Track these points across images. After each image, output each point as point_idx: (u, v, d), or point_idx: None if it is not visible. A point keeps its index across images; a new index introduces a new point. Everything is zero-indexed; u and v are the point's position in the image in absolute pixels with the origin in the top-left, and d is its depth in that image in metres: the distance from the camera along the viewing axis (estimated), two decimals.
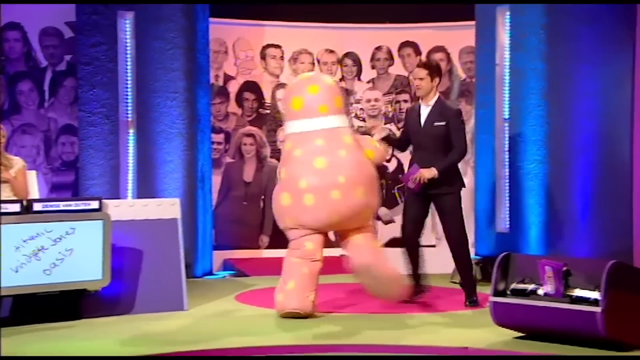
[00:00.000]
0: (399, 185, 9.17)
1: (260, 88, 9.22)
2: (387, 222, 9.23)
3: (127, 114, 8.04)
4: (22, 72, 8.40)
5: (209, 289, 7.44)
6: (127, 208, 6.35)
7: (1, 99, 8.22)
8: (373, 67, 9.34)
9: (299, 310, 5.98)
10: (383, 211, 9.22)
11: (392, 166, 9.25)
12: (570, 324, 4.94)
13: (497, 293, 5.26)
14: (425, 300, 6.56)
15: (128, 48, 8.02)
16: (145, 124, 8.04)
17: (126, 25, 8.02)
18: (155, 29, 8.02)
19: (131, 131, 8.05)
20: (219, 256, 8.76)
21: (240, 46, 9.18)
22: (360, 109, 9.31)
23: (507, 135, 7.99)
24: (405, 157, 9.10)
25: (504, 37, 8.01)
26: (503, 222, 7.99)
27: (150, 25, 8.01)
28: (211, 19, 8.58)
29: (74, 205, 5.96)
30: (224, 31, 9.03)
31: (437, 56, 9.11)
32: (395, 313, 6.22)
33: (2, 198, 5.91)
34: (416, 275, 6.57)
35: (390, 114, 9.30)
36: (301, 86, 6.38)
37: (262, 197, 9.09)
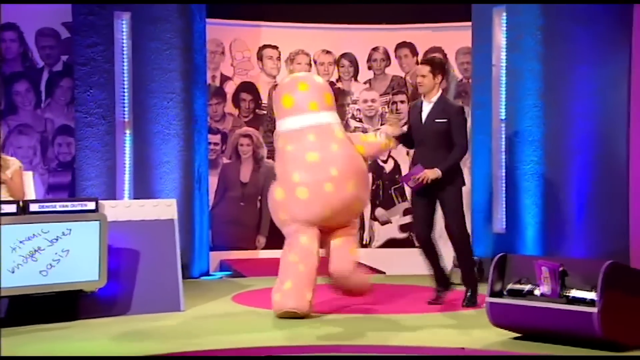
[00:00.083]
0: (396, 186, 9.18)
1: (257, 89, 9.23)
2: (383, 223, 9.23)
3: (124, 114, 8.04)
4: (19, 72, 8.39)
5: (205, 289, 7.44)
6: (124, 209, 6.34)
7: (1, 99, 8.22)
8: (370, 68, 9.34)
9: (297, 310, 5.98)
10: (380, 212, 9.23)
11: (388, 167, 9.25)
12: (567, 325, 4.95)
13: (493, 294, 5.26)
14: (433, 300, 6.56)
15: (124, 48, 8.01)
16: (142, 125, 8.03)
17: (122, 26, 8.01)
18: (151, 30, 8.02)
19: (128, 132, 8.04)
20: (216, 257, 8.76)
21: (237, 47, 9.18)
22: (357, 109, 9.31)
23: (503, 136, 7.99)
24: (402, 157, 9.13)
25: (500, 38, 8.02)
26: (499, 223, 8.00)
27: (146, 26, 8.01)
28: (208, 20, 8.58)
29: (70, 206, 5.96)
30: (220, 32, 9.03)
31: None
32: (393, 314, 6.22)
33: None
34: (436, 275, 6.57)
35: (387, 115, 9.30)
36: (291, 84, 6.46)
37: (259, 197, 9.08)
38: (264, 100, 9.21)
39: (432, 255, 6.53)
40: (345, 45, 9.32)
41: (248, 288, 7.52)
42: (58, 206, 5.91)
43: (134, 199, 7.79)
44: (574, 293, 4.96)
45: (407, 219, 9.11)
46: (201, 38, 8.44)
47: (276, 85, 9.14)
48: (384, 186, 9.20)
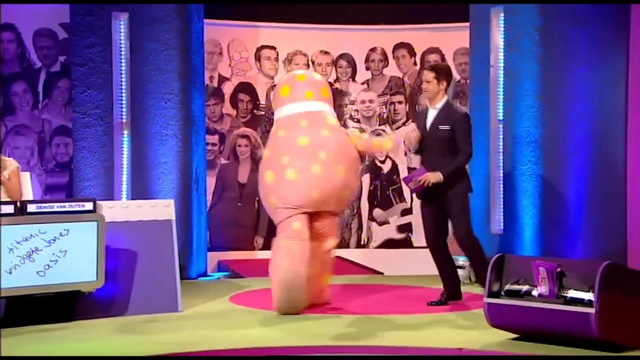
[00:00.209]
0: (394, 187, 9.18)
1: (255, 89, 9.23)
2: (381, 224, 9.23)
3: (122, 115, 8.03)
4: (16, 73, 8.40)
5: (203, 290, 7.43)
6: (121, 209, 6.34)
7: (1, 99, 8.23)
8: (367, 69, 9.34)
9: (293, 272, 6.10)
10: (377, 212, 9.23)
11: (386, 167, 9.25)
12: (564, 325, 4.95)
13: (491, 294, 5.26)
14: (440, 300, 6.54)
15: (122, 49, 8.01)
16: (140, 125, 8.02)
17: (120, 27, 8.00)
18: (149, 30, 8.01)
19: (125, 132, 8.04)
20: (214, 257, 8.75)
21: (235, 47, 9.18)
22: (355, 110, 9.31)
23: (501, 137, 7.98)
24: (400, 158, 9.13)
25: (498, 38, 8.01)
26: (497, 224, 7.99)
27: (144, 27, 8.00)
28: (206, 20, 8.57)
29: (68, 206, 5.95)
30: (218, 32, 9.02)
31: (431, 57, 9.12)
32: (391, 314, 6.22)
33: None
34: (445, 280, 6.54)
35: (385, 115, 9.31)
36: (290, 76, 6.81)
37: (257, 198, 9.07)
38: (262, 100, 9.21)
39: (442, 261, 6.50)
40: (343, 45, 9.32)
41: (246, 288, 7.52)
42: (55, 207, 5.90)
43: (132, 199, 7.78)
44: (572, 294, 4.97)
45: (405, 219, 9.12)
46: (199, 39, 8.43)
47: (274, 85, 9.16)
48: (381, 187, 9.20)
